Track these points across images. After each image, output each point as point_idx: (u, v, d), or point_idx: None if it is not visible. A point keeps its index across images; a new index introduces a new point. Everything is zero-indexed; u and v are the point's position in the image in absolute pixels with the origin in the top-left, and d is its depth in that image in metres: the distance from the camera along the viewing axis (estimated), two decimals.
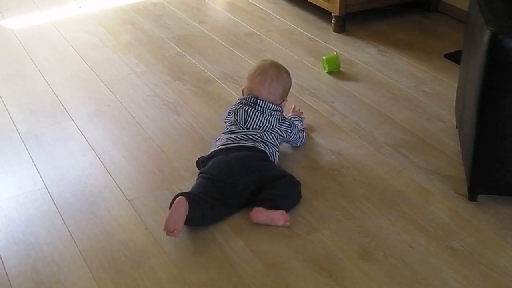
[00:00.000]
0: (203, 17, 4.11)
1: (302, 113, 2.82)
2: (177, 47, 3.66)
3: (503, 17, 2.16)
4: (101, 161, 2.62)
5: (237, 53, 3.56)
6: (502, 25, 2.06)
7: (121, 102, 3.07)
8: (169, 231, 2.09)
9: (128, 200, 2.39)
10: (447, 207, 2.32)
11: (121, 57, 3.55)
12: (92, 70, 3.41)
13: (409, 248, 2.13)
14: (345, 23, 3.79)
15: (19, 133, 2.83)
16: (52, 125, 2.89)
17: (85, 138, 2.78)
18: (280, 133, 2.52)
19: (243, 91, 2.64)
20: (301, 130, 2.65)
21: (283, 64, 2.69)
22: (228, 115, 2.59)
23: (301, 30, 3.85)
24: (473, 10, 2.32)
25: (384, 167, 2.54)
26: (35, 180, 2.52)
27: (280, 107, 2.58)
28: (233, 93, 3.09)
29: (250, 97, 2.54)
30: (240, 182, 2.29)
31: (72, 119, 2.93)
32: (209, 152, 2.43)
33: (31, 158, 2.66)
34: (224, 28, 3.92)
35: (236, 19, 4.05)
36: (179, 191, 2.37)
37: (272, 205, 2.22)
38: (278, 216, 2.21)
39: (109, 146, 2.73)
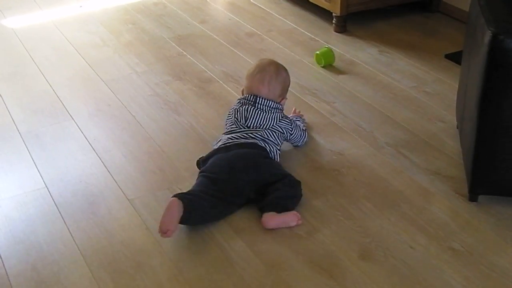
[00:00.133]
0: (204, 17, 4.11)
1: (302, 115, 2.82)
2: (178, 47, 3.66)
3: (504, 17, 2.15)
4: (102, 161, 2.62)
5: (238, 53, 3.56)
6: (503, 25, 2.06)
7: (121, 102, 3.07)
8: (162, 232, 2.09)
9: (129, 200, 2.39)
10: (448, 207, 2.31)
11: (122, 57, 3.55)
12: (92, 69, 3.41)
13: (410, 248, 2.13)
14: (346, 23, 3.79)
15: (19, 133, 2.83)
16: (52, 124, 2.89)
17: (85, 137, 2.78)
18: (281, 130, 2.52)
19: (242, 92, 2.65)
20: (302, 129, 2.65)
21: (284, 64, 2.69)
22: (228, 115, 2.59)
23: (302, 30, 3.85)
24: (474, 11, 2.32)
25: (384, 167, 2.54)
26: (35, 179, 2.52)
27: (280, 104, 2.58)
28: (234, 93, 3.09)
29: (249, 96, 2.55)
30: (240, 179, 2.29)
31: (73, 119, 2.93)
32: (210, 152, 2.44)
33: (32, 157, 2.66)
34: (225, 28, 3.92)
35: (237, 19, 4.05)
36: (180, 191, 2.38)
37: (282, 209, 2.23)
38: (290, 218, 2.22)
39: (109, 145, 2.73)
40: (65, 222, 2.28)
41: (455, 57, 3.35)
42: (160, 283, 2.01)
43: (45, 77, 3.34)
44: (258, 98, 2.53)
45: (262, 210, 2.23)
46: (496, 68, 2.06)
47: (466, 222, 2.24)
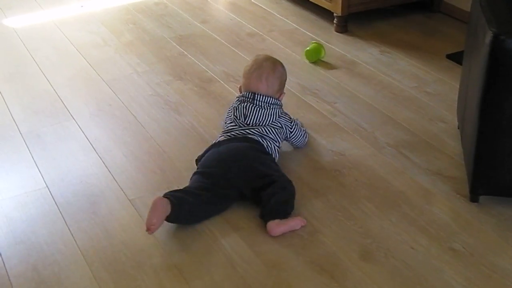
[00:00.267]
0: (205, 17, 4.11)
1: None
2: (179, 47, 3.66)
3: (505, 18, 2.15)
4: (103, 161, 2.62)
5: (239, 53, 3.56)
6: (504, 26, 2.06)
7: (122, 102, 3.07)
8: (147, 228, 2.10)
9: (129, 200, 2.39)
10: (449, 208, 2.31)
11: (123, 57, 3.55)
12: (93, 69, 3.41)
13: (411, 249, 2.12)
14: (347, 23, 3.79)
15: (20, 133, 2.83)
16: (53, 124, 2.89)
17: (86, 137, 2.78)
18: (280, 126, 2.52)
19: (240, 89, 2.65)
20: (303, 130, 2.65)
21: (284, 64, 2.69)
22: (228, 113, 2.59)
23: (303, 30, 3.85)
24: (475, 11, 2.31)
25: (385, 167, 2.54)
26: (36, 179, 2.52)
27: (278, 100, 2.58)
28: (235, 93, 3.09)
29: (247, 93, 2.55)
30: (230, 171, 2.30)
31: (74, 119, 2.93)
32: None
33: (33, 157, 2.65)
34: (226, 28, 3.92)
35: (238, 19, 4.05)
36: None
37: (284, 214, 2.22)
38: (296, 222, 2.21)
39: (110, 145, 2.72)
40: (66, 222, 2.28)
41: (456, 57, 3.35)
42: (161, 283, 2.01)
43: (46, 77, 3.34)
44: (256, 95, 2.53)
45: (265, 219, 2.22)
46: (497, 68, 2.05)
47: (467, 223, 2.24)
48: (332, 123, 2.85)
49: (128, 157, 2.65)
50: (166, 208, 2.12)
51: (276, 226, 2.18)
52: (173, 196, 2.17)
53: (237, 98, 2.60)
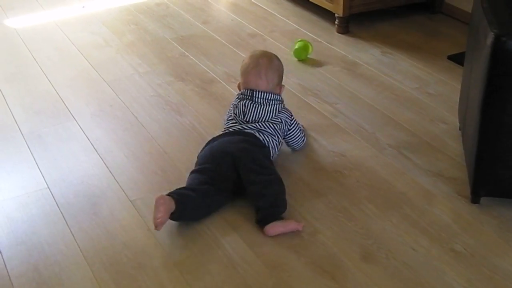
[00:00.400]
0: (207, 18, 4.11)
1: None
2: (180, 48, 3.66)
3: (506, 19, 2.15)
4: (104, 162, 2.62)
5: (240, 53, 3.56)
6: (505, 27, 2.06)
7: (124, 102, 3.07)
8: (154, 225, 2.12)
9: (130, 201, 2.39)
10: (450, 209, 2.31)
11: (125, 57, 3.55)
12: (95, 70, 3.41)
13: (412, 250, 2.12)
14: (349, 24, 3.79)
15: (21, 133, 2.83)
16: (54, 125, 2.89)
17: (87, 138, 2.78)
18: (280, 121, 2.53)
19: (239, 86, 2.65)
20: (302, 133, 2.65)
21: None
22: (229, 111, 2.61)
23: (304, 31, 3.84)
24: (477, 12, 2.31)
25: (387, 169, 2.54)
26: (37, 180, 2.52)
27: (279, 96, 2.59)
28: (236, 93, 3.08)
29: (246, 91, 2.56)
30: (222, 165, 2.31)
31: (75, 119, 2.93)
32: None
33: (34, 158, 2.66)
34: (227, 29, 3.92)
35: (240, 20, 4.05)
36: None
37: (278, 214, 2.23)
38: (293, 227, 2.20)
39: (111, 146, 2.73)
40: (67, 223, 2.28)
41: (457, 58, 3.35)
42: (162, 284, 2.01)
43: (47, 78, 3.34)
44: (254, 92, 2.53)
45: (260, 224, 2.22)
46: (499, 69, 2.05)
47: (468, 224, 2.24)
48: (333, 124, 2.85)
49: (129, 157, 2.65)
50: (169, 204, 2.13)
51: (271, 228, 2.19)
52: (174, 193, 2.19)
53: (237, 96, 2.61)
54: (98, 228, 2.25)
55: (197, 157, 2.46)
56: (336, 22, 3.80)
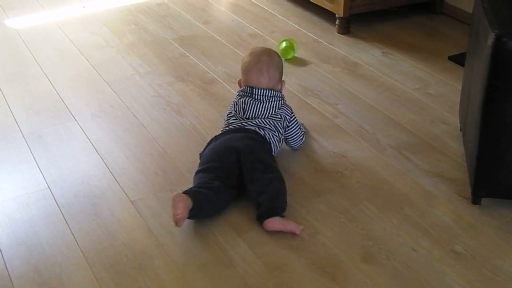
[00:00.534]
0: (207, 18, 4.10)
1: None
2: (181, 48, 3.66)
3: (507, 19, 2.15)
4: (104, 162, 2.62)
5: (241, 54, 3.55)
6: (506, 28, 2.06)
7: (124, 103, 3.07)
8: (175, 222, 2.12)
9: (131, 201, 2.39)
10: (451, 210, 2.31)
11: (125, 58, 3.55)
12: (95, 70, 3.41)
13: (412, 251, 2.12)
14: (349, 24, 3.79)
15: (22, 133, 2.83)
16: (55, 125, 2.89)
17: (88, 138, 2.78)
18: (280, 117, 2.53)
19: (239, 83, 2.66)
20: (302, 131, 2.65)
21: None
22: (230, 109, 2.62)
23: (305, 31, 3.84)
24: (478, 13, 2.31)
25: (387, 169, 2.53)
26: (38, 180, 2.52)
27: (279, 92, 2.59)
28: (236, 91, 3.09)
29: (246, 88, 2.58)
30: (226, 162, 2.33)
31: (75, 120, 2.93)
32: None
33: (34, 158, 2.65)
34: (228, 29, 3.92)
35: (240, 20, 4.05)
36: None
37: (280, 209, 2.23)
38: (293, 228, 2.20)
39: (112, 146, 2.72)
40: (67, 223, 2.28)
41: (458, 59, 3.34)
42: (162, 285, 2.01)
43: (48, 78, 3.34)
44: (254, 89, 2.55)
45: (261, 220, 2.22)
46: (499, 70, 2.05)
47: (469, 225, 2.23)
48: (334, 124, 2.85)
49: (130, 158, 2.65)
50: (187, 201, 2.14)
51: (270, 223, 2.20)
52: (189, 191, 2.21)
53: (237, 93, 2.63)
54: (99, 229, 2.25)
55: (200, 156, 2.47)
56: (336, 23, 3.80)
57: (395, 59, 3.46)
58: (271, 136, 2.47)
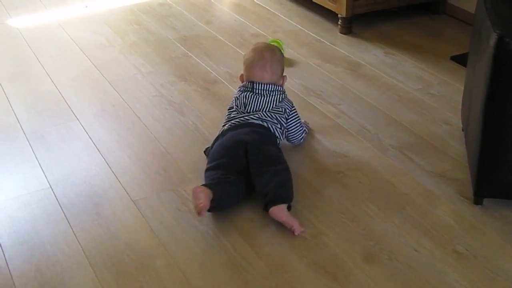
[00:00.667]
0: (210, 18, 4.10)
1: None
2: (183, 48, 3.66)
3: (510, 20, 2.15)
4: (106, 162, 2.62)
5: (243, 54, 3.55)
6: (509, 28, 2.06)
7: (126, 103, 3.07)
8: (197, 212, 2.15)
9: (133, 201, 2.39)
10: (453, 210, 2.31)
11: (127, 57, 3.55)
12: (98, 70, 3.41)
13: (414, 251, 2.12)
14: (352, 24, 3.78)
15: (24, 133, 2.83)
16: (57, 124, 2.89)
17: (90, 138, 2.78)
18: (282, 110, 2.55)
19: (241, 78, 2.69)
20: (304, 128, 2.66)
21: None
22: (231, 104, 2.64)
23: (307, 31, 3.84)
24: (480, 13, 2.31)
25: (389, 169, 2.53)
26: (40, 180, 2.52)
27: (280, 86, 2.61)
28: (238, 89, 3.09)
29: (247, 83, 2.60)
30: (236, 155, 2.35)
31: (78, 119, 2.93)
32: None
33: (36, 158, 2.66)
34: (230, 29, 3.92)
35: (243, 20, 4.05)
36: (184, 192, 2.39)
37: (287, 199, 2.25)
38: (295, 223, 2.20)
39: (114, 146, 2.73)
40: (69, 223, 2.28)
41: (460, 59, 3.34)
42: (164, 285, 2.01)
43: (50, 77, 3.34)
44: (255, 84, 2.57)
45: (267, 207, 2.22)
46: (502, 70, 2.05)
47: (471, 225, 2.23)
48: (336, 124, 2.85)
49: (132, 158, 2.65)
50: (207, 192, 2.17)
51: (276, 210, 2.20)
52: (207, 184, 2.25)
53: (238, 88, 2.65)
54: (101, 228, 2.25)
55: (205, 153, 2.52)
56: (339, 23, 3.79)
57: (397, 59, 3.46)
58: (274, 129, 2.51)
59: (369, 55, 3.52)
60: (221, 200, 2.22)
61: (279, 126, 2.53)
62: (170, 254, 2.13)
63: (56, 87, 3.24)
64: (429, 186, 2.43)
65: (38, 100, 3.11)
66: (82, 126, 2.88)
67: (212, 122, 2.87)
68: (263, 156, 2.35)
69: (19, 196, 2.43)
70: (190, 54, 3.58)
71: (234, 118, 2.54)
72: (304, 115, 2.86)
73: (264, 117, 2.51)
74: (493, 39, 2.03)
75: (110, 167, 2.59)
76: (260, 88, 2.56)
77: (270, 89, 2.57)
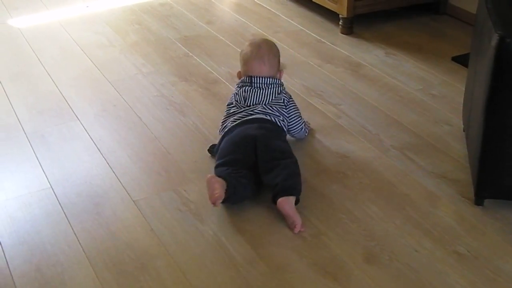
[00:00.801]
0: (211, 18, 4.10)
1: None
2: (184, 48, 3.66)
3: (511, 20, 2.14)
4: (107, 162, 2.62)
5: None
6: (510, 28, 2.05)
7: (127, 103, 3.07)
8: (212, 201, 2.18)
9: (134, 201, 2.39)
10: (453, 211, 2.30)
11: (128, 57, 3.55)
12: (98, 70, 3.41)
13: (415, 252, 2.12)
14: (353, 25, 3.78)
15: (25, 133, 2.83)
16: (58, 124, 2.89)
17: (91, 138, 2.78)
18: (281, 101, 2.57)
19: (238, 75, 2.70)
20: (303, 122, 2.67)
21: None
22: (230, 100, 2.65)
23: (308, 32, 3.84)
24: (481, 13, 2.31)
25: (390, 170, 2.53)
26: (40, 180, 2.52)
27: (278, 79, 2.63)
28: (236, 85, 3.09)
29: (245, 78, 2.62)
30: (246, 151, 2.37)
31: (78, 119, 2.93)
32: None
33: (37, 158, 2.66)
34: (231, 29, 3.92)
35: (244, 20, 4.05)
36: (185, 193, 2.39)
37: (294, 191, 2.26)
38: (298, 220, 2.21)
39: (115, 146, 2.72)
40: (69, 223, 2.28)
41: (462, 60, 3.34)
42: (164, 285, 2.01)
43: (51, 77, 3.34)
44: (253, 78, 2.59)
45: (276, 198, 2.23)
46: (503, 71, 2.05)
47: (472, 226, 2.23)
48: (336, 125, 2.85)
49: (133, 157, 2.65)
50: (222, 182, 2.19)
51: (284, 201, 2.21)
52: (221, 175, 2.26)
53: (236, 85, 2.67)
54: (101, 228, 2.25)
55: (209, 151, 2.56)
56: (340, 23, 3.79)
57: (398, 59, 3.46)
58: (277, 121, 2.52)
59: (370, 55, 3.52)
60: (234, 191, 2.24)
61: (281, 118, 2.54)
62: (170, 254, 2.13)
63: (57, 87, 3.24)
64: (430, 187, 2.43)
65: (39, 100, 3.11)
66: (83, 126, 2.87)
67: (212, 122, 2.86)
68: (272, 151, 2.37)
69: (19, 196, 2.43)
70: (191, 54, 3.58)
71: (234, 113, 2.55)
72: (305, 115, 2.86)
73: (266, 110, 2.52)
74: (494, 40, 2.03)
75: (110, 167, 2.58)
76: (258, 81, 2.58)
77: (268, 82, 2.58)
